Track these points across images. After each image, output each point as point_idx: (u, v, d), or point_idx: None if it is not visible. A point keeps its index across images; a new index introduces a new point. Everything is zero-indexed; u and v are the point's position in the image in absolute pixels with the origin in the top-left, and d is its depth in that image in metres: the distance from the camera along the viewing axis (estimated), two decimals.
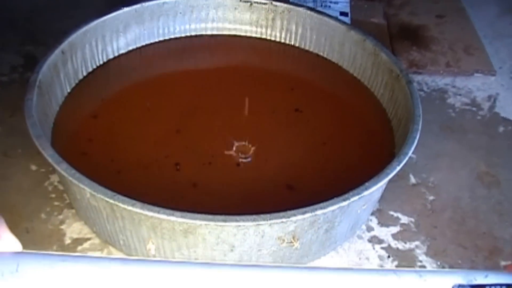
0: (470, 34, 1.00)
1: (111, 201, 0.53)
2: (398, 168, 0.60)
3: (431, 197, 0.72)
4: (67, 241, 0.64)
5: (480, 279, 0.39)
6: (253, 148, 0.69)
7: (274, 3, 0.82)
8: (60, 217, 0.66)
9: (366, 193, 0.57)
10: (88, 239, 0.64)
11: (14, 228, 0.63)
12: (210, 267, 0.38)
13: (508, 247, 0.67)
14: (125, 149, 0.68)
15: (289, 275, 0.39)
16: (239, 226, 0.53)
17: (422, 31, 0.99)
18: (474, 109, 0.86)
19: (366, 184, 0.57)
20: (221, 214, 0.53)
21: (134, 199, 0.53)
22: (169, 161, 0.67)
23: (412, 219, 0.69)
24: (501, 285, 0.39)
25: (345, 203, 0.55)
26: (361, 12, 0.98)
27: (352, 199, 0.56)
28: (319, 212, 0.54)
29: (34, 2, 0.99)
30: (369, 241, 0.67)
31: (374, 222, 0.68)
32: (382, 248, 0.66)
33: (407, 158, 0.61)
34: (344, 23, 0.81)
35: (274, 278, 0.38)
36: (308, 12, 0.82)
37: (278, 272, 0.39)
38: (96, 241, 0.64)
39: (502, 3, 1.11)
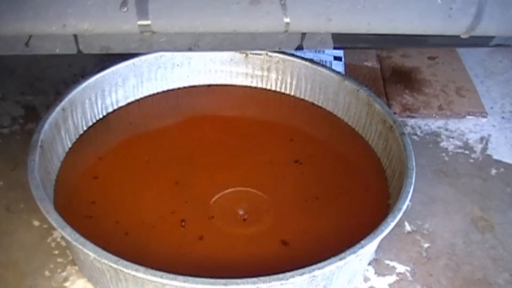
0: (461, 75, 1.01)
1: (115, 265, 0.55)
2: (393, 224, 0.61)
3: (426, 245, 0.74)
4: None
5: None
6: (251, 202, 0.70)
7: (269, 54, 0.84)
8: (64, 274, 0.67)
9: (361, 251, 0.58)
10: None
11: (17, 287, 0.65)
12: None
13: None
14: (129, 210, 0.69)
15: None
16: None
17: (415, 74, 1.00)
18: (466, 152, 0.88)
19: (362, 242, 0.59)
20: (222, 277, 0.54)
21: (139, 262, 0.55)
22: (175, 217, 0.68)
23: (408, 268, 0.70)
24: None
25: (341, 263, 0.57)
26: (355, 56, 0.99)
27: (348, 258, 0.57)
28: (316, 272, 0.56)
29: None
30: None
31: (371, 272, 0.70)
32: None
33: (401, 214, 0.62)
34: (338, 73, 0.82)
35: None
36: (303, 62, 0.83)
37: None
38: None
39: None
